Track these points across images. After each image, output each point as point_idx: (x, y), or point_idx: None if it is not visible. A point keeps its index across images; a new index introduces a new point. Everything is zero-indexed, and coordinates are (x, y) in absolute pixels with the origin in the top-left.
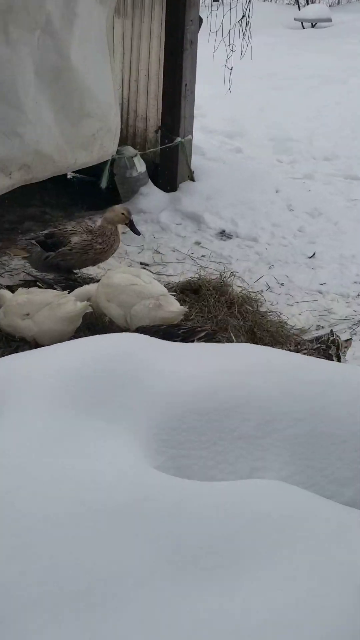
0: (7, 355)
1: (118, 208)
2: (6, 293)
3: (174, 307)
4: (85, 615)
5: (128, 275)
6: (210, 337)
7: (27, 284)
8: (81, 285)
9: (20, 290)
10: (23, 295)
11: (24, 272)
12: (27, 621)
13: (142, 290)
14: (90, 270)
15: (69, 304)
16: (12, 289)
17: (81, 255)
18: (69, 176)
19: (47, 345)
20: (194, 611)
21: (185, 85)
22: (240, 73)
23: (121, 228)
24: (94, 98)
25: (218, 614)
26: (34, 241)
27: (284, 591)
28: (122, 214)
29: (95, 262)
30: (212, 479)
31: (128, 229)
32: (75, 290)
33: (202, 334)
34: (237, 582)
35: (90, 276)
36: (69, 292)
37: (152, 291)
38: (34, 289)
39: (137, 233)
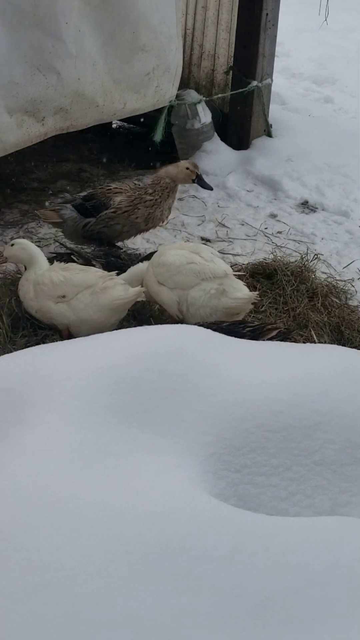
0: (33, 345)
1: (182, 163)
2: (41, 259)
3: (241, 293)
4: None
5: (185, 252)
6: (283, 338)
7: (60, 257)
8: (125, 263)
9: (55, 265)
10: (59, 272)
11: (56, 241)
12: None
13: (201, 271)
14: (137, 244)
15: (117, 289)
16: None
17: (128, 216)
18: (114, 126)
19: (83, 336)
20: None
21: (267, 14)
22: (338, 1)
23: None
24: (151, 27)
25: None
26: (69, 205)
27: None
28: (187, 168)
29: (146, 223)
30: (284, 514)
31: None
32: (128, 270)
33: (274, 333)
34: None
35: (137, 251)
36: (118, 274)
37: (214, 272)
38: (72, 265)
39: (209, 187)
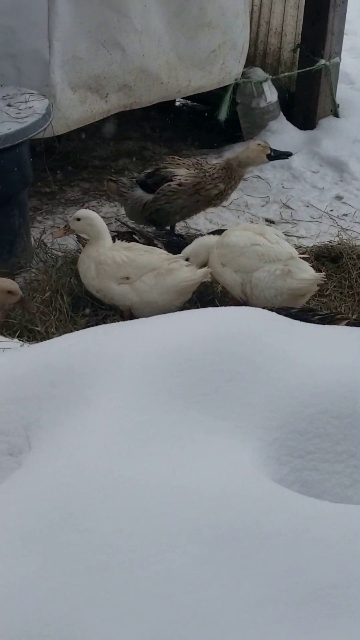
0: (94, 325)
1: (252, 144)
2: (105, 233)
3: (307, 274)
4: None
5: (249, 234)
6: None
7: (121, 236)
8: (187, 242)
9: (117, 244)
10: (122, 252)
11: (117, 220)
12: None
13: (266, 253)
14: (200, 225)
15: (183, 271)
16: None
17: (191, 194)
18: (178, 103)
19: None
20: None
21: None
22: None
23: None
24: (217, 3)
25: None
26: (133, 179)
27: None
28: (259, 144)
29: (207, 205)
30: (348, 501)
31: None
32: (189, 246)
33: (343, 323)
34: None
35: (200, 232)
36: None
37: (279, 254)
38: (135, 245)
39: (288, 153)
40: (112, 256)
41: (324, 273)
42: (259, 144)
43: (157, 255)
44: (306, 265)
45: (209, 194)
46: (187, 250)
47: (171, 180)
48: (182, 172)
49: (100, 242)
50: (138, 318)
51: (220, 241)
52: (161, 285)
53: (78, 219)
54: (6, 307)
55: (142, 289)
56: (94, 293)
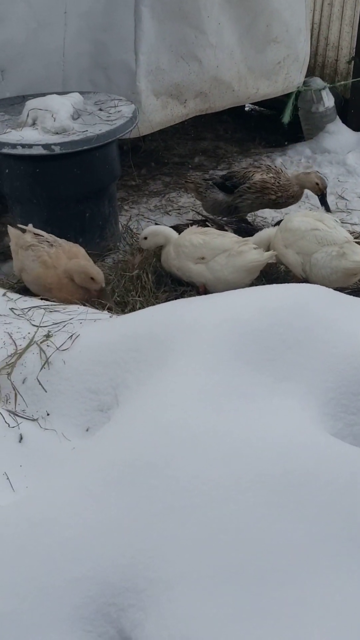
0: (173, 299)
1: (313, 176)
2: (172, 233)
3: (359, 257)
4: (243, 590)
5: (310, 219)
6: None
7: (197, 223)
8: (255, 228)
9: (193, 229)
10: (198, 235)
11: (193, 210)
12: (179, 591)
13: (324, 236)
14: (265, 213)
15: (251, 253)
16: (178, 228)
17: (257, 197)
18: (247, 108)
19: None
20: None
21: None
22: None
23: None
24: (283, 21)
25: None
26: (210, 182)
27: None
28: (316, 184)
29: (270, 206)
30: None
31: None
32: (255, 235)
33: None
34: None
35: (265, 219)
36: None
37: (335, 238)
38: (209, 230)
39: (328, 210)
40: (189, 239)
41: None
42: (317, 184)
43: (229, 238)
44: (359, 249)
45: (270, 198)
46: (253, 239)
47: (249, 180)
48: (256, 176)
49: (172, 241)
50: (212, 293)
51: (283, 226)
52: (232, 265)
53: (145, 238)
54: (84, 294)
55: (215, 268)
56: (174, 272)
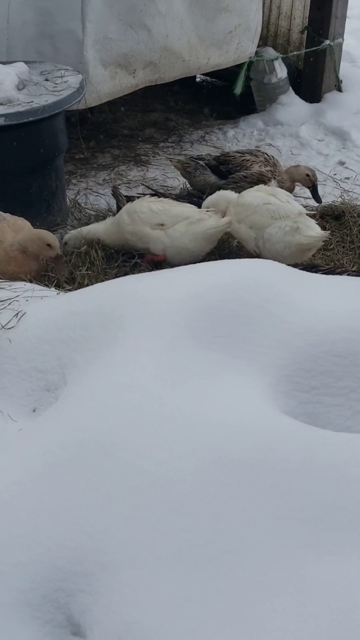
0: (123, 276)
1: (303, 168)
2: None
3: (313, 232)
4: (196, 572)
5: (262, 194)
6: None
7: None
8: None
9: (147, 197)
10: (157, 202)
11: (143, 184)
12: (130, 574)
13: (277, 210)
14: None
15: (211, 220)
16: (131, 199)
17: (252, 187)
18: (198, 79)
19: (176, 263)
20: (322, 577)
21: None
22: None
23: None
24: None
25: (348, 579)
26: (202, 163)
27: None
28: (307, 175)
29: None
30: (348, 431)
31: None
32: (209, 198)
33: (344, 275)
34: None
35: None
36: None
37: (288, 211)
38: (164, 199)
39: (319, 201)
40: (147, 205)
41: (328, 231)
42: (307, 175)
43: (189, 207)
44: (313, 223)
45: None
46: (209, 200)
47: (247, 170)
48: (254, 167)
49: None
50: (171, 263)
51: (236, 201)
52: (192, 232)
53: (66, 243)
54: (41, 260)
55: (175, 235)
56: (128, 237)
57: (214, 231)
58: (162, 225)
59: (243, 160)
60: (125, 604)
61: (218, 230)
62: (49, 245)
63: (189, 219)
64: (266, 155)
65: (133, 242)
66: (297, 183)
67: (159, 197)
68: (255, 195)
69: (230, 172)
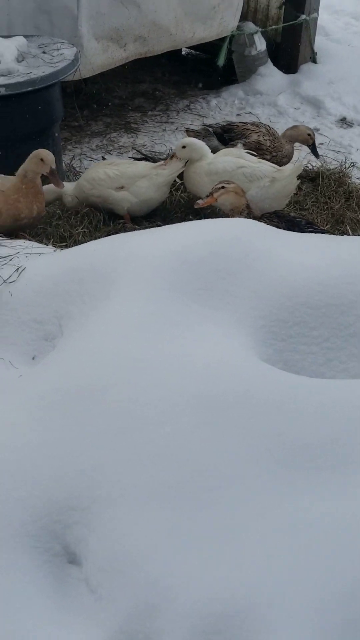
0: (114, 234)
1: (303, 128)
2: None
3: (288, 171)
4: (181, 506)
5: (232, 158)
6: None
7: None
8: None
9: (100, 163)
10: (110, 168)
11: (133, 148)
12: (120, 507)
13: (252, 173)
14: None
15: (166, 170)
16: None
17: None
18: (184, 52)
19: (143, 213)
20: (294, 509)
21: None
22: None
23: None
24: None
25: (320, 513)
26: (211, 129)
27: None
28: (308, 135)
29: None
30: (322, 376)
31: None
32: (187, 139)
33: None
34: (343, 485)
35: None
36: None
37: (263, 171)
38: (114, 161)
39: (317, 156)
40: (104, 171)
41: (300, 163)
42: (308, 134)
43: (142, 165)
44: (285, 169)
45: (265, 158)
46: (187, 140)
47: (246, 138)
48: (253, 136)
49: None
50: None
51: (208, 170)
52: (155, 184)
53: (184, 147)
54: (38, 182)
55: (139, 192)
56: (94, 200)
57: (172, 177)
58: (122, 187)
59: (244, 129)
60: (117, 535)
61: (174, 175)
62: (42, 160)
63: (147, 176)
64: (267, 127)
65: (98, 203)
66: (296, 144)
67: (148, 161)
68: (227, 160)
69: (232, 139)
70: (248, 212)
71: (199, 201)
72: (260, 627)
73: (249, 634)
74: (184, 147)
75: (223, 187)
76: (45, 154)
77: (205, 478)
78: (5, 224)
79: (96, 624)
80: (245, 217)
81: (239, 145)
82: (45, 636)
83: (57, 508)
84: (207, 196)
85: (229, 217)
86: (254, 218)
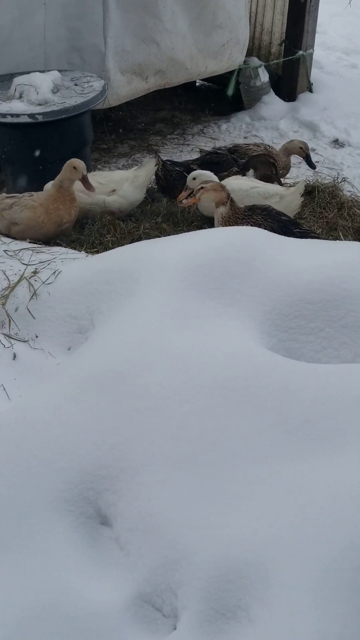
0: (137, 241)
1: (297, 142)
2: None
3: (292, 189)
4: (199, 474)
5: (243, 181)
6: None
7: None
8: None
9: (91, 174)
10: (99, 177)
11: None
12: (145, 476)
13: (266, 191)
14: None
15: (143, 172)
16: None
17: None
18: (197, 84)
19: (129, 212)
20: (296, 474)
21: (310, 2)
22: None
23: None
24: (226, 10)
25: (318, 477)
26: (220, 151)
27: None
28: (301, 148)
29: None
30: (318, 362)
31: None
32: (195, 172)
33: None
34: (337, 454)
35: None
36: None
37: (274, 190)
38: (100, 172)
39: (313, 167)
40: (96, 181)
41: (304, 178)
42: (300, 147)
43: (121, 172)
44: (290, 188)
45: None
46: (196, 172)
47: (248, 157)
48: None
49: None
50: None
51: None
52: (137, 186)
53: (194, 178)
54: (72, 190)
55: (126, 194)
56: (89, 208)
57: (148, 179)
58: (114, 191)
59: (246, 149)
60: (143, 500)
61: (150, 175)
62: (75, 167)
63: (129, 179)
64: (266, 146)
65: (93, 209)
66: (293, 155)
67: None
68: (239, 182)
69: (237, 159)
70: (231, 202)
71: (184, 200)
72: (266, 577)
73: (257, 584)
74: (194, 178)
75: (202, 187)
76: (77, 162)
77: (219, 449)
78: (49, 232)
79: (125, 576)
80: (230, 207)
81: (248, 174)
82: (81, 586)
83: (90, 477)
84: (189, 196)
85: (217, 212)
86: (237, 209)
